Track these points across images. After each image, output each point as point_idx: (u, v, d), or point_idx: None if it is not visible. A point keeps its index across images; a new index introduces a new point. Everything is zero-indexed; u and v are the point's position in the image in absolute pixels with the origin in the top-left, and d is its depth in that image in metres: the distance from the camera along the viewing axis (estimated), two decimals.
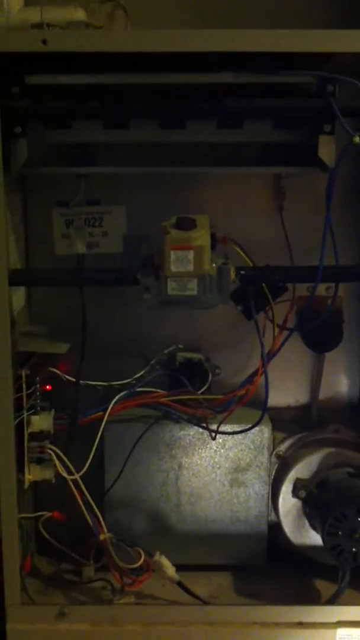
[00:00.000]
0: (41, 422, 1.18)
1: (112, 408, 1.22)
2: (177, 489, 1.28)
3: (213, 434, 1.24)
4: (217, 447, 1.27)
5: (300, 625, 1.18)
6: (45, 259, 1.30)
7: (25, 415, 1.17)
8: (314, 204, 1.23)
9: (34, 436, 1.18)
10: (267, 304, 1.20)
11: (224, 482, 1.28)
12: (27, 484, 1.19)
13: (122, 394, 1.23)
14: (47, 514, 1.24)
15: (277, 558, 1.30)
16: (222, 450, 1.28)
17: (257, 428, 1.23)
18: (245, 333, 1.29)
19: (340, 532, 1.17)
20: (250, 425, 1.22)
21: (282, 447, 1.31)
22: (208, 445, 1.27)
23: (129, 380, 1.25)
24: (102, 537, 1.20)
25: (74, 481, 1.19)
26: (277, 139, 1.16)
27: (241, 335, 1.32)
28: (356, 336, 1.36)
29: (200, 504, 1.29)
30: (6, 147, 1.08)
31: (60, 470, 1.18)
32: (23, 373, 1.16)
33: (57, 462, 1.18)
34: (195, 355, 1.32)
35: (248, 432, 1.24)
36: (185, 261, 1.09)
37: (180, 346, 1.32)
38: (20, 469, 1.17)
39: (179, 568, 1.22)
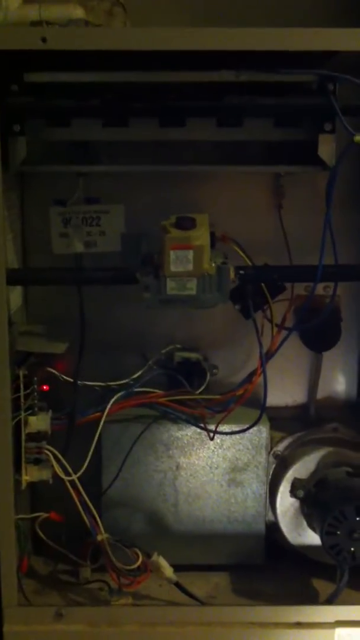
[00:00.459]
0: (39, 422, 1.17)
1: (110, 408, 1.21)
2: (174, 489, 1.28)
3: (211, 434, 1.23)
4: (214, 447, 1.27)
5: (299, 625, 1.17)
6: (42, 258, 1.29)
7: (22, 415, 1.16)
8: (313, 203, 1.22)
9: (32, 437, 1.17)
10: (265, 303, 1.20)
11: (222, 482, 1.28)
12: (24, 485, 1.18)
13: (120, 394, 1.23)
14: (44, 514, 1.23)
15: (275, 558, 1.30)
16: (219, 450, 1.27)
17: (255, 428, 1.23)
18: (243, 332, 1.29)
19: (339, 532, 1.17)
20: (248, 425, 1.22)
21: (280, 447, 1.31)
22: (206, 445, 1.27)
23: (126, 380, 1.25)
24: (99, 537, 1.19)
25: (72, 482, 1.18)
26: (277, 137, 1.16)
27: (239, 335, 1.32)
28: (354, 335, 1.37)
29: (198, 504, 1.28)
30: (5, 144, 1.07)
31: (57, 471, 1.18)
32: (21, 373, 1.16)
33: (54, 462, 1.18)
34: (193, 355, 1.32)
35: (246, 431, 1.23)
36: (185, 261, 1.09)
37: (178, 346, 1.32)
38: (18, 469, 1.16)
39: (177, 568, 1.21)
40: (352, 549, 1.17)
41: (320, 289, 1.24)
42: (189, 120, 1.14)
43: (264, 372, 1.18)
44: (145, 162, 1.17)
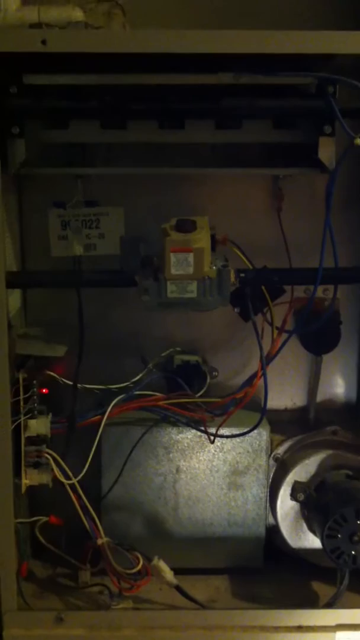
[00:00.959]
0: (38, 426, 1.17)
1: (109, 411, 1.21)
2: (175, 492, 1.28)
3: (211, 437, 1.23)
4: (215, 450, 1.27)
5: (300, 628, 1.17)
6: (41, 261, 1.29)
7: (22, 419, 1.16)
8: (312, 205, 1.22)
9: (31, 440, 1.17)
10: (264, 305, 1.19)
11: (222, 485, 1.28)
12: (24, 489, 1.17)
13: (119, 397, 1.22)
14: (44, 518, 1.22)
15: (275, 561, 1.30)
16: (220, 454, 1.27)
17: (255, 431, 1.22)
18: (242, 335, 1.29)
19: (339, 535, 1.17)
20: (248, 429, 1.21)
21: (280, 450, 1.31)
22: (206, 449, 1.27)
23: (126, 383, 1.25)
24: (99, 541, 1.19)
25: (71, 485, 1.18)
26: (277, 139, 1.16)
27: (238, 338, 1.32)
28: (353, 338, 1.36)
29: (198, 507, 1.28)
30: (3, 146, 1.07)
31: (57, 474, 1.17)
32: (20, 376, 1.15)
33: (54, 466, 1.17)
34: (193, 358, 1.31)
35: (246, 434, 1.23)
36: (185, 264, 1.08)
37: (178, 348, 1.32)
38: (17, 473, 1.16)
39: (177, 571, 1.21)
40: (353, 552, 1.17)
41: (319, 291, 1.24)
42: (188, 122, 1.14)
43: (264, 375, 1.17)
44: (144, 165, 1.17)
